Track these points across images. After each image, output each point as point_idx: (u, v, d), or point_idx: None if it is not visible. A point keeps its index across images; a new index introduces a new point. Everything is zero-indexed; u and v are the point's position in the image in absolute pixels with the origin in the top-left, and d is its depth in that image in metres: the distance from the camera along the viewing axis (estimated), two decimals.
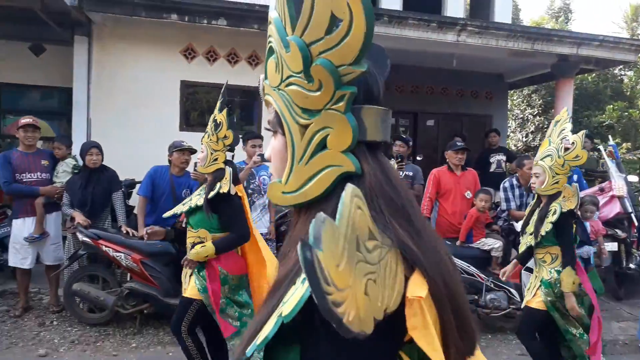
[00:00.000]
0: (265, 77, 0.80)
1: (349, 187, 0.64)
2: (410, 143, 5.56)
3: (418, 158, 5.66)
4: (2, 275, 5.53)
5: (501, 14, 9.77)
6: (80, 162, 4.75)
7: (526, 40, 7.20)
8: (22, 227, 4.63)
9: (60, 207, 4.71)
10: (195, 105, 7.15)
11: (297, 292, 0.66)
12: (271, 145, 0.84)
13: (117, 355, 3.98)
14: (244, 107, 7.48)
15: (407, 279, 0.69)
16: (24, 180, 4.61)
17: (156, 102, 6.62)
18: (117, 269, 4.64)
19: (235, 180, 2.93)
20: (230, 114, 2.97)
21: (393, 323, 0.66)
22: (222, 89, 2.97)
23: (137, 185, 5.51)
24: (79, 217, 4.42)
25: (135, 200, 5.39)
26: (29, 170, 4.63)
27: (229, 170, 2.90)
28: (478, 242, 4.87)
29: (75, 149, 5.07)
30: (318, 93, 0.72)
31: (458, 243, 4.90)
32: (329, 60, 0.70)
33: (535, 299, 3.22)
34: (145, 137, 6.35)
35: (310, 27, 0.71)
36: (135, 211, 4.98)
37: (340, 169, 0.73)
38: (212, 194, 2.82)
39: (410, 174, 5.43)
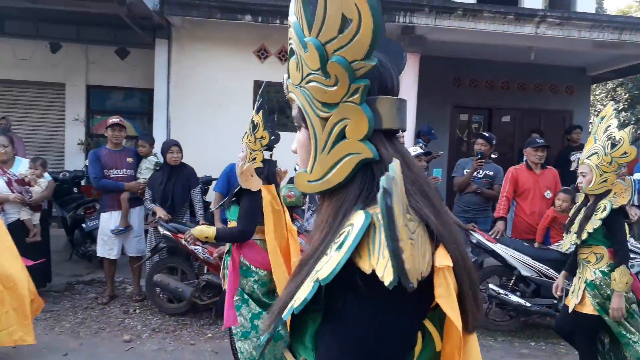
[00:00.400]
0: (288, 77, 0.87)
1: (396, 161, 0.70)
2: (494, 141, 5.31)
3: (493, 156, 5.42)
4: (91, 265, 5.95)
5: (584, 3, 9.18)
6: (161, 160, 4.99)
7: (612, 31, 6.73)
8: (109, 220, 4.95)
9: (142, 202, 4.98)
10: (268, 105, 7.30)
11: (333, 259, 0.71)
12: (297, 138, 0.90)
13: (194, 345, 4.16)
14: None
15: (433, 253, 0.75)
16: (111, 176, 4.91)
17: (230, 102, 6.84)
18: (195, 261, 4.84)
19: (269, 180, 2.95)
20: (271, 114, 2.98)
21: (420, 291, 0.70)
22: (261, 90, 3.04)
23: (213, 182, 5.72)
24: (160, 212, 4.65)
25: (211, 196, 5.60)
26: (115, 166, 4.94)
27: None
28: (556, 244, 4.63)
29: (156, 147, 5.35)
30: (335, 87, 0.78)
31: (536, 245, 4.68)
32: (343, 57, 0.76)
33: (584, 304, 3.04)
34: (220, 135, 6.59)
35: (324, 28, 0.77)
36: (211, 207, 5.17)
37: (359, 156, 0.78)
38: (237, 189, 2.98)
39: (491, 173, 5.21)
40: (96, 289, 5.39)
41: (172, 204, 4.76)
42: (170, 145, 4.85)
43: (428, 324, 0.80)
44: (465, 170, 5.22)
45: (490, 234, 4.72)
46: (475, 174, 5.12)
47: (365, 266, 0.69)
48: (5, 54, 7.82)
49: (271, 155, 3.35)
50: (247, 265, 2.98)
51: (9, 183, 4.53)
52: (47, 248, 5.07)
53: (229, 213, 3.10)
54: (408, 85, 6.71)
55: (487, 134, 5.35)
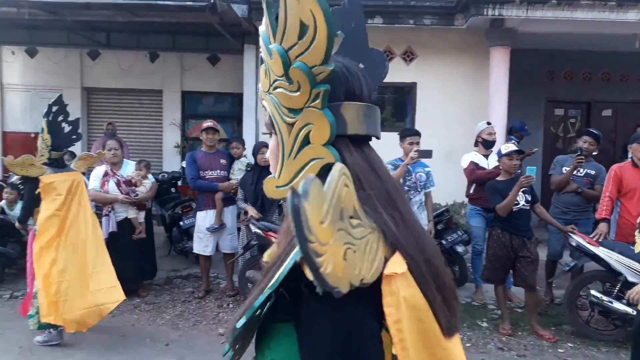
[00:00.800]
0: (260, 84, 0.88)
1: (338, 165, 0.70)
2: (600, 139, 4.96)
3: (594, 153, 5.05)
4: (187, 261, 6.32)
5: None
6: (252, 161, 5.20)
7: None
8: (204, 219, 5.23)
9: (235, 201, 5.21)
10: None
11: (283, 266, 0.72)
12: (270, 145, 0.90)
13: None
14: (397, 103, 7.49)
15: (387, 260, 0.73)
16: (206, 177, 5.19)
17: None
18: None
19: None
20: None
21: (375, 296, 0.71)
22: None
23: None
24: (252, 211, 4.84)
25: None
26: (210, 168, 5.21)
27: None
28: None
29: (247, 149, 5.57)
30: (298, 93, 0.78)
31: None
32: (303, 62, 0.76)
33: None
34: None
35: (286, 35, 0.77)
36: None
37: (323, 160, 0.78)
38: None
39: (592, 172, 4.88)
40: (192, 283, 5.70)
41: (262, 204, 4.93)
42: (261, 147, 5.03)
43: (384, 335, 0.76)
44: (564, 168, 4.93)
45: (591, 236, 4.42)
46: (575, 172, 4.82)
47: (307, 272, 0.64)
48: (111, 64, 8.52)
49: None
50: None
51: (118, 184, 4.94)
52: (152, 244, 5.45)
53: None
54: (498, 79, 6.46)
55: (595, 131, 4.99)
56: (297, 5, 0.75)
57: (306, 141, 0.80)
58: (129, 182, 5.03)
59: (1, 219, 5.83)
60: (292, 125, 0.81)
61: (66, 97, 8.41)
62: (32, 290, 4.05)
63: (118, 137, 6.70)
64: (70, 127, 4.15)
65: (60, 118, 4.08)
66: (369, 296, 0.70)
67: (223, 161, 5.31)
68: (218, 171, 5.25)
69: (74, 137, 4.18)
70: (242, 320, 0.76)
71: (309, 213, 0.62)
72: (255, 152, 5.05)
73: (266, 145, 5.05)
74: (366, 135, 0.85)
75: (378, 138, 0.88)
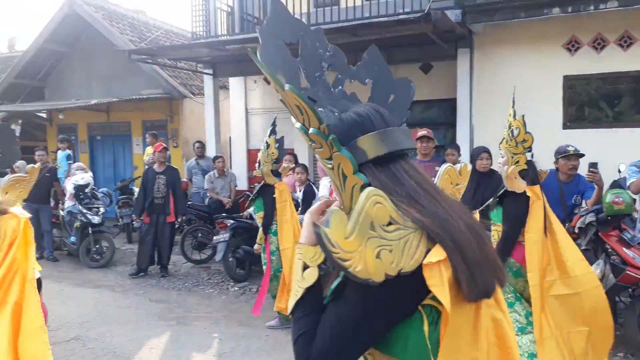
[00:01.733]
0: None
1: (365, 190, 0.97)
2: None
3: None
4: None
5: None
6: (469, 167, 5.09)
7: None
8: None
9: None
10: (577, 100, 6.64)
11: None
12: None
13: None
14: (636, 94, 6.47)
15: (429, 250, 0.96)
16: None
17: (536, 102, 6.47)
18: None
19: (533, 182, 3.05)
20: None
21: (414, 283, 0.95)
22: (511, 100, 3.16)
23: None
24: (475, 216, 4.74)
25: None
26: None
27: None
28: None
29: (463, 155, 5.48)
30: (322, 148, 1.06)
31: None
32: (313, 127, 1.05)
33: None
34: None
35: (295, 114, 1.08)
36: None
37: (358, 185, 1.03)
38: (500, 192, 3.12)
39: None
40: None
41: (483, 210, 4.79)
42: (481, 151, 4.90)
43: (423, 313, 1.00)
44: None
45: None
46: None
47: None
48: None
49: (532, 156, 3.35)
50: (517, 265, 3.04)
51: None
52: None
53: (494, 215, 3.32)
54: None
55: None
56: (288, 98, 1.06)
57: (344, 176, 1.05)
58: None
59: (249, 223, 6.86)
60: (332, 169, 1.06)
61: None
62: (265, 289, 4.89)
63: None
64: (278, 143, 4.91)
65: (272, 136, 4.90)
66: (407, 281, 0.95)
67: (438, 169, 5.32)
68: (433, 179, 5.27)
69: (282, 152, 4.98)
70: (326, 300, 1.07)
71: (331, 235, 0.93)
72: (474, 158, 4.94)
73: (486, 150, 4.94)
74: (389, 152, 1.07)
75: (410, 147, 1.13)
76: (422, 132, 5.42)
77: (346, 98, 1.24)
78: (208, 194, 8.21)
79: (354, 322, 0.99)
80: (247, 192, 8.11)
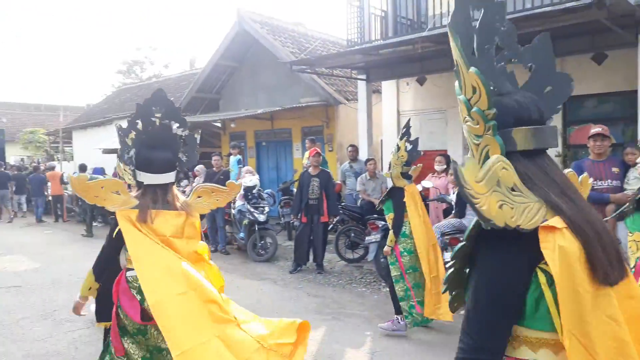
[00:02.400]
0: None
1: (495, 155, 1.12)
2: None
3: None
4: None
5: None
6: None
7: None
8: None
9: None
10: None
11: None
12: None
13: None
14: None
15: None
16: (595, 187, 4.76)
17: None
18: None
19: None
20: None
21: (530, 240, 1.10)
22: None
23: None
24: None
25: None
26: (600, 177, 4.76)
27: None
28: None
29: None
30: (478, 126, 1.16)
31: None
32: (478, 107, 1.16)
33: None
34: None
35: (466, 90, 1.18)
36: None
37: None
38: None
39: None
40: None
41: None
42: None
43: (540, 275, 1.12)
44: None
45: None
46: None
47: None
48: None
49: None
50: None
51: None
52: None
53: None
54: None
55: None
56: (468, 76, 1.15)
57: (487, 157, 1.15)
58: None
59: None
60: (477, 145, 1.17)
61: (450, 116, 9.23)
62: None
63: None
64: (411, 145, 4.82)
65: (404, 138, 4.79)
66: (526, 240, 1.11)
67: (615, 169, 4.77)
68: (609, 181, 4.75)
69: (415, 154, 4.84)
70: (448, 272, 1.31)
71: (465, 173, 1.10)
72: None
73: None
74: (535, 149, 1.20)
75: (553, 147, 1.25)
76: (596, 129, 4.90)
77: (505, 75, 1.29)
78: (360, 196, 8.44)
79: (486, 287, 1.15)
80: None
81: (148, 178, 2.54)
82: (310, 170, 7.64)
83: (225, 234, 9.22)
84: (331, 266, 7.88)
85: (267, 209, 8.66)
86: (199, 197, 2.83)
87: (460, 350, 1.16)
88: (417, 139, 4.90)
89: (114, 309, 2.59)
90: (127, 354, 2.55)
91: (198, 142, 2.57)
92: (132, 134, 2.63)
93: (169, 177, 2.59)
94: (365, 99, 9.81)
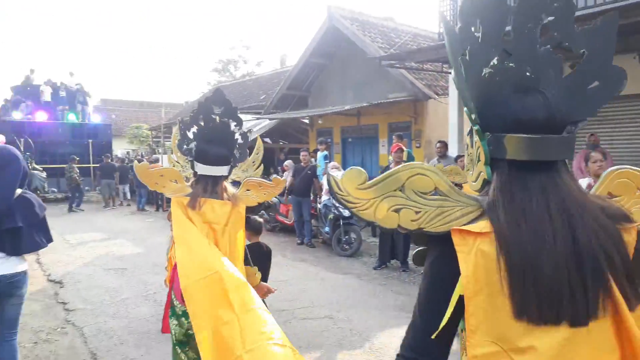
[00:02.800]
0: None
1: (406, 165, 1.13)
2: None
3: None
4: None
5: None
6: None
7: None
8: None
9: None
10: None
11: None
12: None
13: None
14: None
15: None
16: None
17: None
18: None
19: None
20: None
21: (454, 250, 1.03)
22: None
23: None
24: None
25: None
26: None
27: None
28: None
29: None
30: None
31: None
32: (467, 108, 1.10)
33: None
34: None
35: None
36: None
37: (483, 175, 1.11)
38: None
39: None
40: None
41: None
42: None
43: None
44: None
45: None
46: None
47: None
48: None
49: None
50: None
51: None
52: None
53: None
54: None
55: None
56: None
57: (478, 159, 1.12)
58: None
59: None
60: (471, 146, 1.17)
61: None
62: None
63: (602, 148, 6.40)
64: None
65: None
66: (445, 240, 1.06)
67: None
68: None
69: None
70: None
71: (341, 181, 1.11)
72: None
73: None
74: (529, 160, 1.04)
75: (563, 159, 1.07)
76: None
77: (548, 61, 1.08)
78: None
79: (422, 291, 1.14)
80: None
81: (202, 169, 2.75)
82: (392, 166, 7.54)
83: (311, 228, 9.38)
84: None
85: None
86: (247, 190, 2.97)
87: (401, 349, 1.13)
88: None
89: (169, 290, 2.80)
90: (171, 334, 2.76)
91: (249, 140, 2.86)
92: (194, 128, 2.84)
93: (221, 170, 2.78)
94: (457, 93, 9.50)
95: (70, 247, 9.20)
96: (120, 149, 29.63)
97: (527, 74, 1.07)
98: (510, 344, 0.98)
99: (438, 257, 1.11)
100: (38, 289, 6.36)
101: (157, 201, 15.68)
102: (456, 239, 1.03)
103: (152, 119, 34.79)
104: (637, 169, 1.24)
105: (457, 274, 1.02)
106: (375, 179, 1.12)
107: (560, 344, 0.96)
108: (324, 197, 9.02)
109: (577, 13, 1.12)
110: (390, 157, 8.54)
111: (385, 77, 11.55)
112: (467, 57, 1.07)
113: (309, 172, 9.27)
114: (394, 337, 4.71)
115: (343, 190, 1.12)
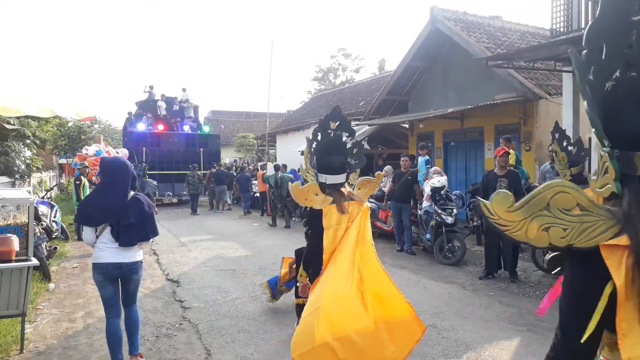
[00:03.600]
0: None
1: (549, 184, 1.18)
2: None
3: None
4: None
5: None
6: None
7: None
8: None
9: None
10: None
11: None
12: None
13: None
14: None
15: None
16: None
17: None
18: None
19: None
20: None
21: (598, 262, 1.13)
22: None
23: None
24: None
25: None
26: None
27: None
28: None
29: None
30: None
31: None
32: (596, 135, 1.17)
33: None
34: None
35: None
36: None
37: (610, 188, 1.16)
38: None
39: None
40: None
41: None
42: None
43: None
44: None
45: None
46: None
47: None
48: None
49: None
50: None
51: None
52: None
53: None
54: None
55: None
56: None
57: (606, 171, 1.16)
58: None
59: None
60: (602, 157, 1.17)
61: None
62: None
63: None
64: (576, 147, 4.92)
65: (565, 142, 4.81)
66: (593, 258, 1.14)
67: None
68: None
69: (583, 154, 5.02)
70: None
71: (492, 206, 1.20)
72: None
73: None
74: None
75: None
76: None
77: None
78: None
79: (566, 294, 1.24)
80: None
81: (329, 179, 3.17)
82: (497, 170, 7.17)
83: (411, 234, 9.23)
84: (526, 275, 7.29)
85: (455, 211, 8.41)
86: (359, 189, 3.55)
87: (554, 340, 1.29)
88: (577, 140, 5.06)
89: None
90: None
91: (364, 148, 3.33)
92: (315, 145, 3.25)
93: (342, 178, 3.21)
94: (572, 92, 8.84)
95: (185, 249, 9.93)
96: (228, 157, 31.37)
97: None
98: None
99: (583, 269, 1.20)
100: (158, 286, 6.94)
101: (262, 206, 16.39)
102: (605, 253, 1.12)
103: (257, 128, 36.50)
104: None
105: (603, 285, 1.14)
106: (521, 201, 1.19)
107: None
108: (425, 203, 8.83)
109: None
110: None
111: (491, 78, 11.06)
112: (591, 76, 1.12)
113: (409, 177, 9.13)
114: (504, 350, 4.48)
115: (494, 214, 1.21)
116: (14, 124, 12.45)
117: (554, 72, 10.12)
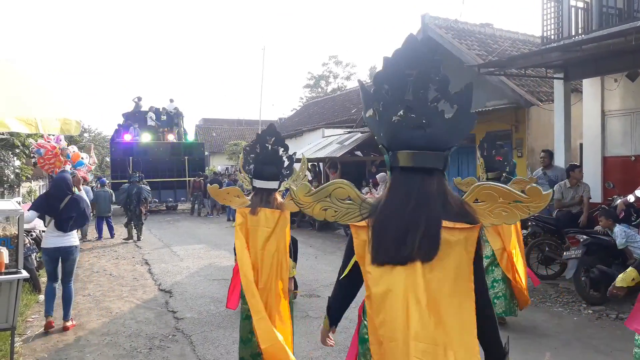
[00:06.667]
0: None
1: (334, 181, 1.79)
2: None
3: None
4: None
5: None
6: None
7: None
8: None
9: None
10: None
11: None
12: None
13: None
14: None
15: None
16: None
17: None
18: None
19: None
20: None
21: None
22: None
23: None
24: None
25: None
26: None
27: None
28: None
29: None
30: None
31: None
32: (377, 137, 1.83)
33: None
34: None
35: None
36: None
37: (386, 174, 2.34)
38: None
39: None
40: None
41: None
42: None
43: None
44: None
45: None
46: None
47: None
48: None
49: None
50: None
51: None
52: None
53: None
54: None
55: None
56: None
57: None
58: None
59: (606, 240, 6.05)
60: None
61: None
62: None
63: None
64: (502, 157, 5.35)
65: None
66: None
67: None
68: None
69: (506, 163, 5.45)
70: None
71: (296, 191, 1.80)
72: None
73: None
74: (407, 167, 1.67)
75: (434, 167, 1.66)
76: None
77: (434, 112, 1.65)
78: (554, 206, 7.65)
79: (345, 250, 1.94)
80: (603, 205, 7.17)
81: (259, 183, 3.68)
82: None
83: None
84: None
85: None
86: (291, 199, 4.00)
87: None
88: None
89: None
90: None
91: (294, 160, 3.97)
92: (253, 156, 3.80)
93: (272, 185, 3.69)
94: (563, 99, 8.91)
95: (177, 258, 9.82)
96: (220, 164, 31.23)
97: (423, 120, 1.65)
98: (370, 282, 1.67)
99: (350, 237, 1.78)
100: (151, 297, 6.85)
101: None
102: (353, 229, 1.73)
103: (249, 136, 36.40)
104: (499, 185, 1.71)
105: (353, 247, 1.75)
106: (313, 190, 1.77)
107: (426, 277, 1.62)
108: None
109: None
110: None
111: (482, 85, 11.11)
112: (381, 109, 1.68)
113: None
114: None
115: (296, 196, 1.79)
116: (2, 134, 12.29)
117: (545, 79, 10.19)
